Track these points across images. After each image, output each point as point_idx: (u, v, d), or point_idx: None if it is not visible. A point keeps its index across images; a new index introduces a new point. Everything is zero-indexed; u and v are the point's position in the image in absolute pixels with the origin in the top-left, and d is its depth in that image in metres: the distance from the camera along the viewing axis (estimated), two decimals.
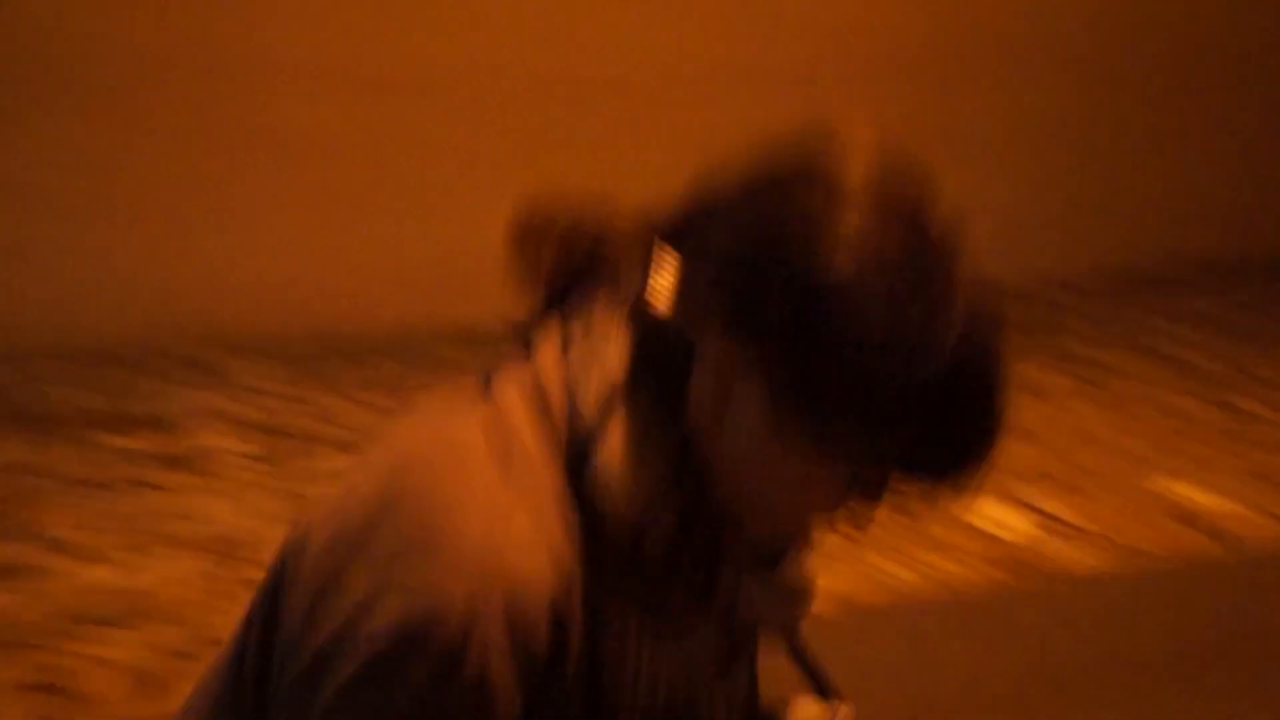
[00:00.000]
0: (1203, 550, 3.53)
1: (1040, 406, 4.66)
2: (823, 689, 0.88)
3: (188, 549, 3.07)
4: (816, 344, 0.69)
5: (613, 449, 0.72)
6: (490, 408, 0.74)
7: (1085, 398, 4.76)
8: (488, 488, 0.70)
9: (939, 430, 0.72)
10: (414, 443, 0.76)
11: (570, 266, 0.78)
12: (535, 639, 0.69)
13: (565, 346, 0.75)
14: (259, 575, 0.79)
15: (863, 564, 3.16)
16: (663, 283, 0.74)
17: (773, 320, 0.70)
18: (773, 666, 0.90)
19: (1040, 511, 3.67)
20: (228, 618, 1.35)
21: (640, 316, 0.74)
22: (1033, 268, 6.51)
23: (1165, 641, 2.89)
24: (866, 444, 0.72)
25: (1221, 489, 3.91)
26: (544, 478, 0.72)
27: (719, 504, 0.75)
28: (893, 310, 0.69)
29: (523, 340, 0.78)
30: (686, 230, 0.75)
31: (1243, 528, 3.66)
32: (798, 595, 0.82)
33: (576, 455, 0.72)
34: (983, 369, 0.73)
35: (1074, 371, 5.06)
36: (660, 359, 0.73)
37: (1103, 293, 6.38)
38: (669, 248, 0.75)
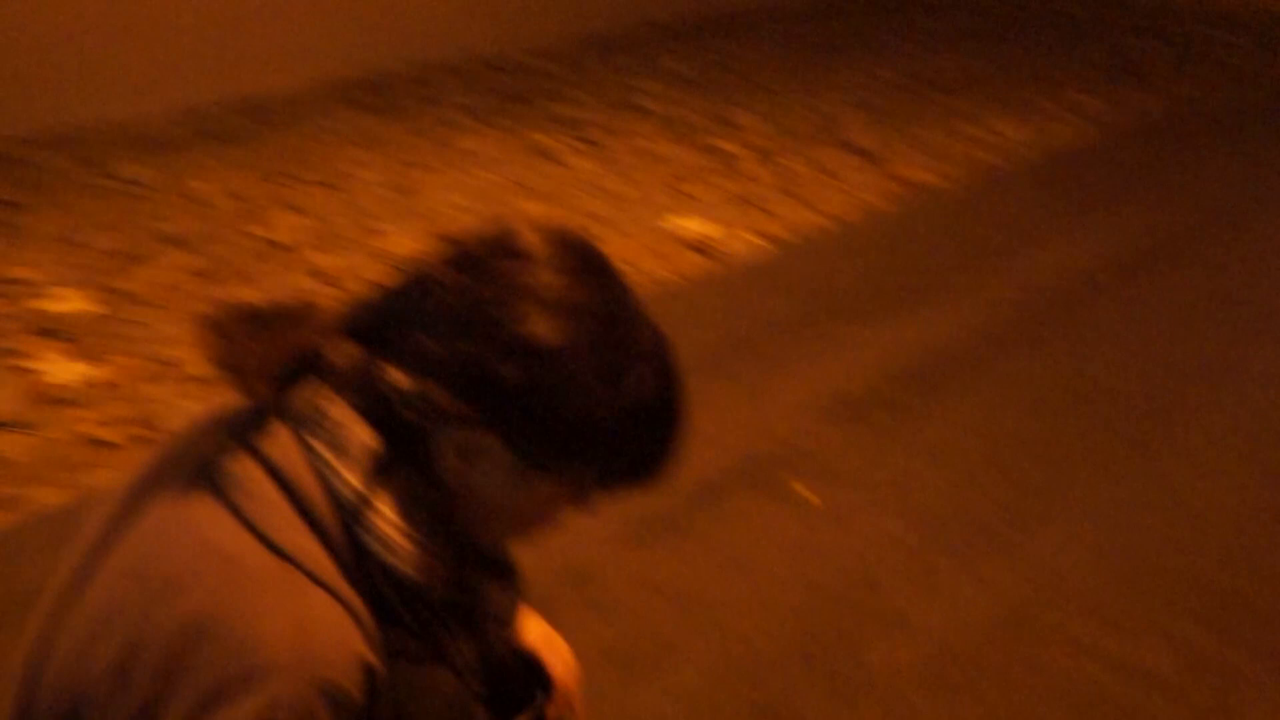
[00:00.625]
0: (707, 269, 3.83)
1: (549, 168, 4.73)
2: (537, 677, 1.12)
3: None
4: (543, 398, 0.81)
5: (387, 517, 0.81)
6: (237, 504, 0.79)
7: (587, 156, 4.90)
8: (276, 585, 0.76)
9: (645, 451, 0.89)
10: (174, 562, 0.78)
11: (277, 365, 0.81)
12: (354, 698, 0.78)
13: (299, 440, 0.81)
14: None
15: None
16: (394, 373, 0.81)
17: (501, 384, 0.80)
18: None
19: None
20: None
21: (376, 403, 0.82)
22: (516, 39, 6.53)
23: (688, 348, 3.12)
24: (593, 472, 0.88)
25: (716, 218, 4.25)
26: (318, 555, 0.79)
27: (474, 541, 0.90)
28: (600, 354, 0.82)
29: (235, 435, 0.83)
30: (392, 320, 0.83)
31: (736, 246, 4.01)
32: (520, 592, 1.04)
33: (346, 530, 0.81)
34: (674, 390, 0.89)
35: (573, 134, 5.19)
36: (405, 436, 0.82)
37: (584, 59, 6.56)
38: (385, 336, 0.83)
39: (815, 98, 6.00)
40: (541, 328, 0.81)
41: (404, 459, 0.83)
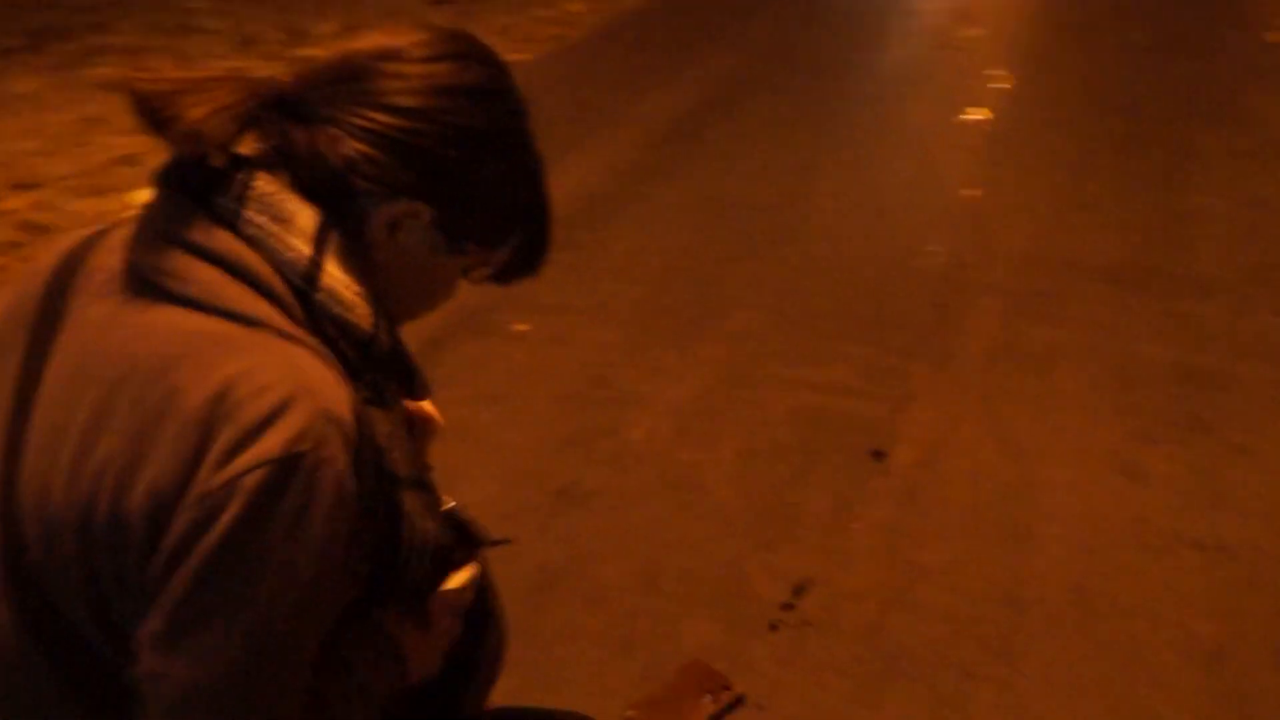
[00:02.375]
0: None
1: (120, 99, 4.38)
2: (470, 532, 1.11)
3: None
4: (474, 173, 0.91)
5: (335, 278, 0.85)
6: (187, 294, 0.81)
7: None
8: (261, 344, 0.80)
9: (537, 239, 1.00)
10: (154, 354, 0.80)
11: (230, 134, 0.82)
12: (352, 431, 0.82)
13: (233, 220, 0.84)
14: None
15: None
16: (349, 144, 0.86)
17: (443, 159, 0.89)
18: None
19: None
20: None
21: (316, 176, 0.86)
22: None
23: None
24: (499, 254, 0.98)
25: None
26: (281, 319, 0.82)
27: (392, 305, 0.94)
28: (514, 143, 0.94)
29: (152, 241, 0.84)
30: (338, 98, 0.87)
31: None
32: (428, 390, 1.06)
33: (299, 294, 0.84)
34: (546, 198, 1.00)
35: (137, 63, 4.82)
36: (341, 208, 0.87)
37: None
38: (329, 112, 0.87)
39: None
40: (478, 113, 0.90)
41: (339, 228, 0.87)
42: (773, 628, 1.82)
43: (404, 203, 0.88)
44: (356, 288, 0.87)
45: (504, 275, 1.02)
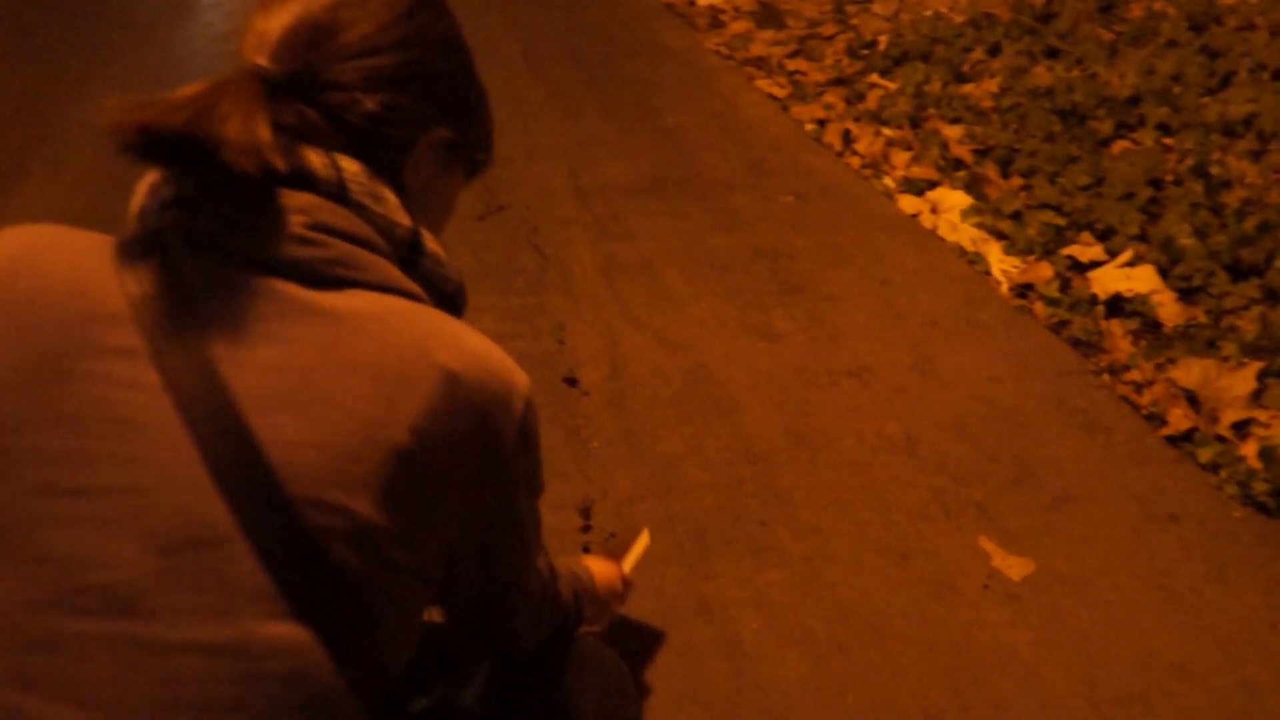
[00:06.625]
0: None
1: None
2: None
3: None
4: (461, 80, 0.94)
5: (430, 240, 0.89)
6: (355, 278, 0.80)
7: None
8: (440, 317, 0.82)
9: (490, 130, 1.04)
10: (388, 325, 0.78)
11: (267, 138, 0.77)
12: None
13: (345, 200, 0.82)
14: None
15: None
16: (366, 101, 0.85)
17: (441, 77, 0.91)
18: None
19: None
20: None
21: (356, 138, 0.85)
22: None
23: None
24: (481, 153, 1.01)
25: None
26: (417, 289, 0.86)
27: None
28: (459, 30, 0.95)
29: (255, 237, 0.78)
30: (325, 61, 0.84)
31: None
32: None
33: (407, 262, 0.86)
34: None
35: None
36: (389, 161, 0.88)
37: None
38: (323, 78, 0.84)
39: None
40: (440, 17, 0.92)
41: (394, 186, 0.87)
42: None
43: (430, 134, 0.90)
44: (436, 242, 0.90)
45: (480, 168, 1.04)
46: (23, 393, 0.72)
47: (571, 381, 2.43)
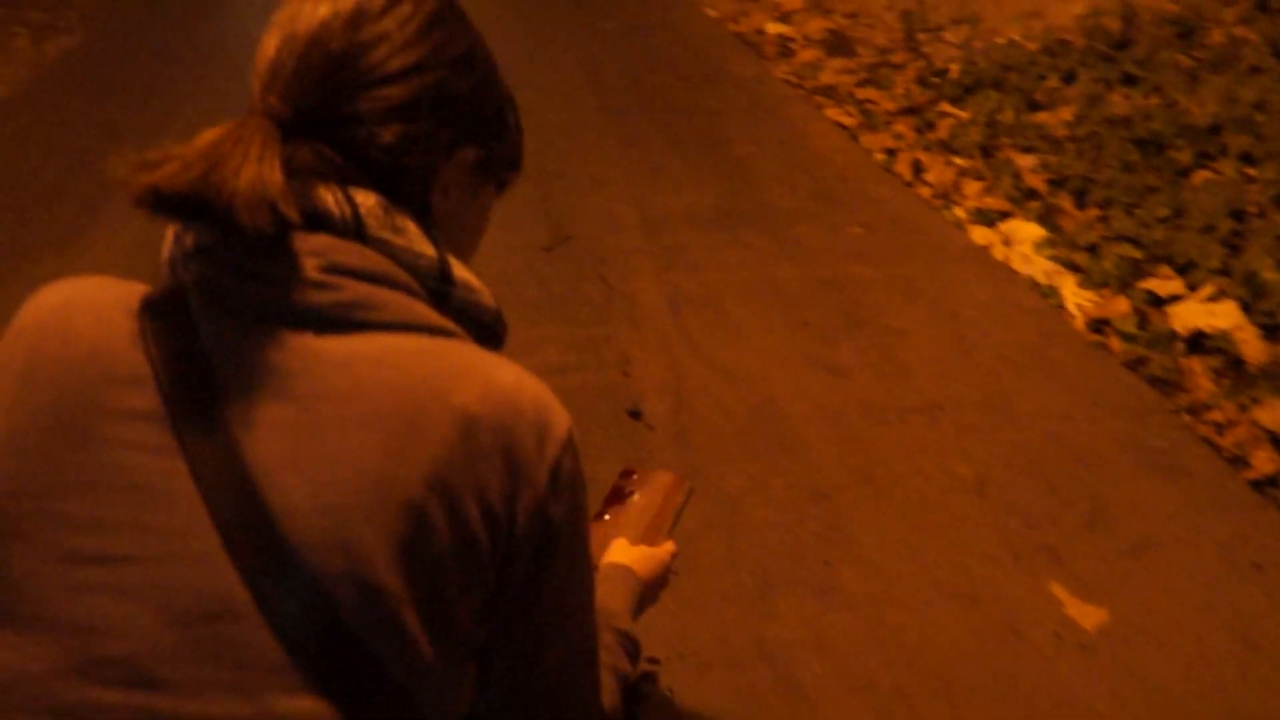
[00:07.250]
0: None
1: None
2: None
3: None
4: (482, 95, 0.90)
5: (459, 268, 0.86)
6: (371, 320, 0.78)
7: None
8: (472, 352, 0.81)
9: (519, 140, 0.99)
10: (404, 369, 0.76)
11: (279, 188, 0.75)
12: None
13: (364, 237, 0.80)
14: None
15: None
16: (384, 133, 0.82)
17: (461, 98, 0.87)
18: None
19: None
20: None
21: (371, 178, 0.82)
22: None
23: None
24: (508, 170, 0.97)
25: None
26: (448, 322, 0.83)
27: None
28: (481, 41, 0.91)
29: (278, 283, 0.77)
30: (339, 92, 0.81)
31: None
32: None
33: (433, 294, 0.84)
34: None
35: None
36: (411, 192, 0.85)
37: None
38: (338, 112, 0.82)
39: None
40: (458, 34, 0.87)
41: (412, 214, 0.84)
42: None
43: (456, 156, 0.87)
44: (467, 268, 0.87)
45: (510, 183, 1.01)
46: (45, 457, 0.73)
47: (635, 414, 2.42)
